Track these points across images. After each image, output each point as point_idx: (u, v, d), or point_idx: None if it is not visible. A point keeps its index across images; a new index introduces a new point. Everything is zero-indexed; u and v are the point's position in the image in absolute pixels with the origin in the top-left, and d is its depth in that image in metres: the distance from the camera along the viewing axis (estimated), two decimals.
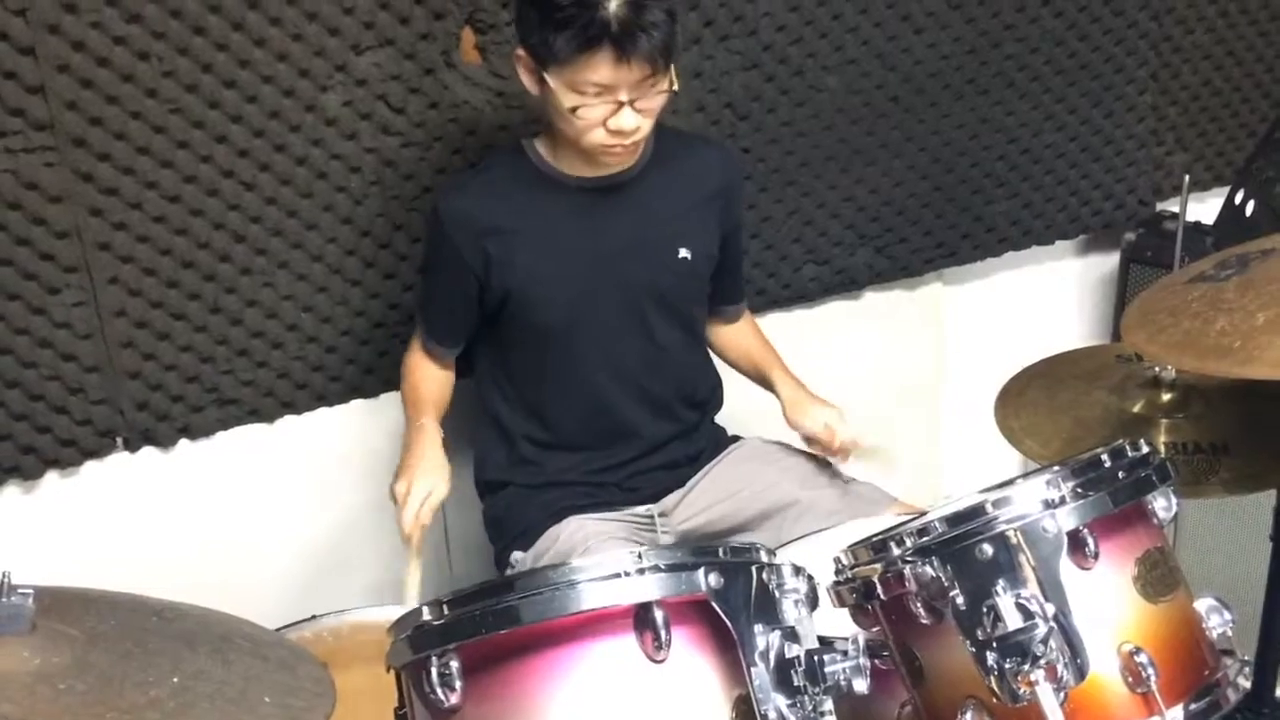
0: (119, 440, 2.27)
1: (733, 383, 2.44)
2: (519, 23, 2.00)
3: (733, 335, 2.43)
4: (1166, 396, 2.00)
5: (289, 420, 2.40)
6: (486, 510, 2.37)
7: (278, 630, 1.86)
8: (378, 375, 2.44)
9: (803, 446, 2.36)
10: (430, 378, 2.26)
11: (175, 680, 1.27)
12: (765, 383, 2.37)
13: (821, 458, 2.34)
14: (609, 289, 2.15)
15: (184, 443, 2.33)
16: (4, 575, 1.29)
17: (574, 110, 1.94)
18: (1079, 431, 1.99)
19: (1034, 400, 2.10)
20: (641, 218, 2.15)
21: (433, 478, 2.07)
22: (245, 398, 2.34)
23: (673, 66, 1.98)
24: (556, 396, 2.21)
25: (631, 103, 1.94)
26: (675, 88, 2.00)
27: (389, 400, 2.48)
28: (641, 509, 2.31)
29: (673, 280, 2.21)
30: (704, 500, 2.32)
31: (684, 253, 2.19)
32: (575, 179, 2.11)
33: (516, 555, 2.24)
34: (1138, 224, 3.08)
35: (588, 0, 1.87)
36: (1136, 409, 2.01)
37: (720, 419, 2.42)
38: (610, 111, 1.94)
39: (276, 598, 2.17)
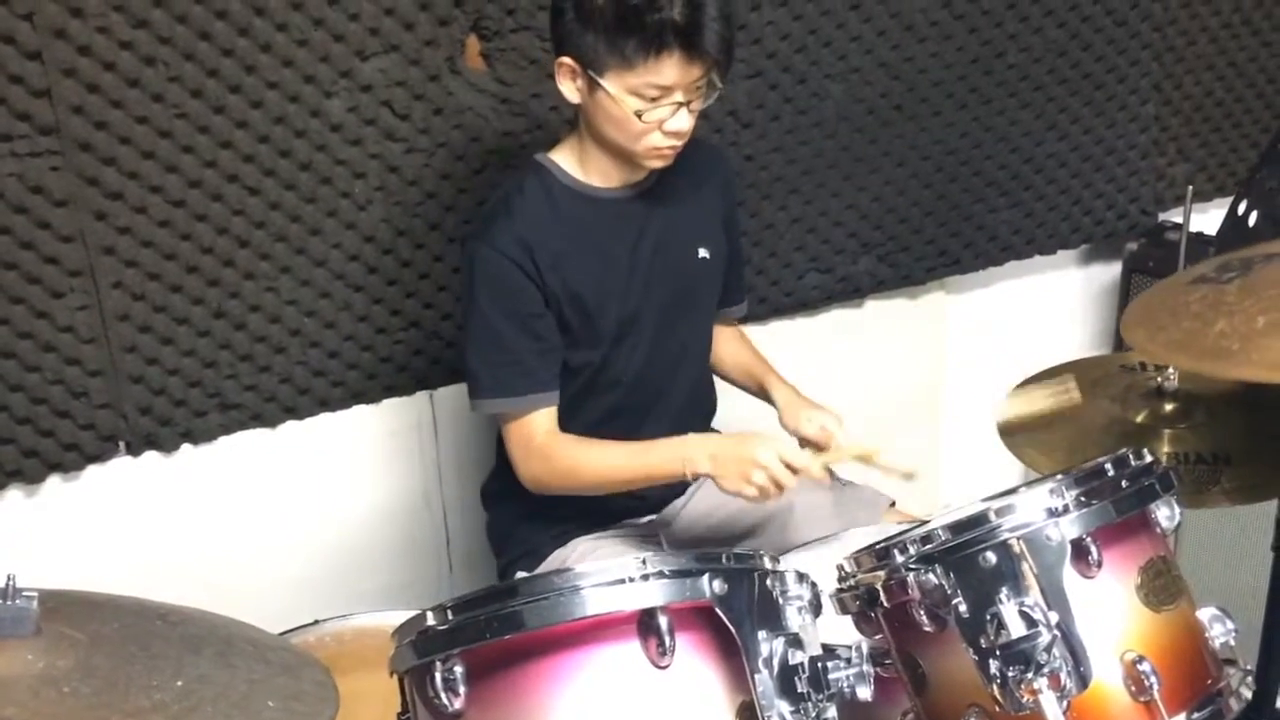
0: (121, 445, 2.27)
1: (728, 388, 2.44)
2: (562, 31, 1.98)
3: (729, 345, 2.43)
4: (1169, 406, 2.01)
5: (291, 425, 2.40)
6: (491, 523, 2.37)
7: (281, 635, 1.86)
8: (380, 381, 2.44)
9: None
10: (577, 438, 2.11)
11: (179, 684, 1.27)
12: (761, 389, 2.36)
13: None
14: (647, 294, 2.16)
15: (186, 447, 2.33)
16: (9, 578, 1.29)
17: (639, 114, 1.95)
18: (1081, 441, 2.00)
19: (1037, 408, 2.10)
20: (665, 223, 2.16)
21: (755, 441, 1.97)
22: (248, 403, 2.34)
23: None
24: (581, 406, 2.18)
25: (687, 104, 1.97)
26: (721, 87, 2.01)
27: (391, 406, 2.48)
28: (643, 520, 2.31)
29: (697, 281, 2.24)
30: (704, 508, 2.31)
31: (703, 253, 2.22)
32: (604, 190, 2.12)
33: (521, 575, 2.23)
34: (1140, 234, 3.09)
35: (654, 3, 1.89)
36: (1139, 419, 2.01)
37: (717, 424, 2.42)
38: (669, 114, 1.97)
39: (279, 602, 2.16)
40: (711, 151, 2.33)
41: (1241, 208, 2.59)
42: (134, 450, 2.28)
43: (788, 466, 1.94)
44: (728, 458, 1.97)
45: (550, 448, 2.09)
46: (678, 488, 2.32)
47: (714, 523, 2.30)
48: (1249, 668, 1.56)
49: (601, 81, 1.94)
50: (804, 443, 2.26)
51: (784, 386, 2.33)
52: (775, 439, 1.98)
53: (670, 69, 1.92)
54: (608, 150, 2.06)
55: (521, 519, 2.28)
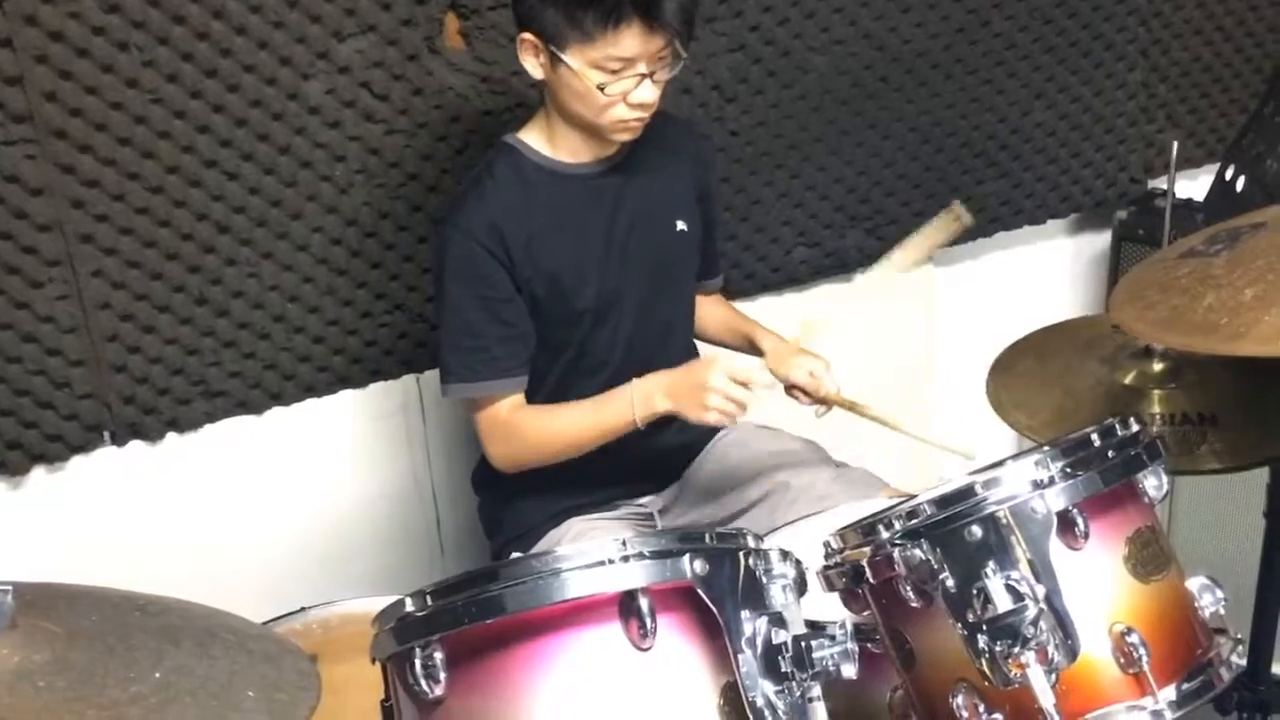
0: (106, 434, 2.26)
1: None
2: (524, 8, 1.96)
3: (711, 309, 2.43)
4: (1158, 367, 1.99)
5: (277, 411, 2.39)
6: (483, 505, 2.36)
7: (266, 623, 1.85)
8: (365, 365, 2.43)
9: (793, 430, 2.35)
10: (538, 406, 2.14)
11: (157, 676, 1.25)
12: (749, 342, 2.36)
13: (812, 441, 2.33)
14: (626, 269, 2.15)
15: (172, 436, 2.31)
16: None
17: (602, 88, 1.93)
18: (1069, 403, 1.99)
19: (1025, 371, 2.09)
20: (640, 196, 2.15)
21: (700, 366, 2.02)
22: (232, 389, 2.32)
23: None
24: (571, 387, 2.17)
25: (650, 75, 1.95)
26: (685, 57, 2.00)
27: (377, 390, 2.47)
28: (640, 503, 2.30)
29: (675, 254, 2.23)
30: (699, 490, 2.31)
31: (681, 225, 2.21)
32: (576, 166, 2.10)
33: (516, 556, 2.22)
34: (1129, 202, 3.08)
35: None
36: (1128, 380, 2.00)
37: None
38: (633, 86, 1.95)
39: (266, 590, 2.15)
40: (683, 124, 2.32)
41: (1229, 173, 2.57)
42: (118, 440, 2.27)
43: (738, 383, 1.97)
44: (680, 389, 2.01)
45: (513, 423, 2.10)
46: (672, 469, 2.32)
47: (708, 503, 2.29)
48: (1240, 636, 1.55)
49: (563, 56, 1.93)
50: (792, 389, 2.25)
51: (771, 335, 2.34)
52: (718, 358, 2.01)
53: (630, 41, 1.90)
54: (575, 125, 2.04)
55: (513, 501, 2.27)
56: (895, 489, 2.27)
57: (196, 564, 2.32)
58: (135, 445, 2.29)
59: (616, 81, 1.94)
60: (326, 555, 2.51)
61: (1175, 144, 2.18)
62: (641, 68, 1.94)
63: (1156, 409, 1.95)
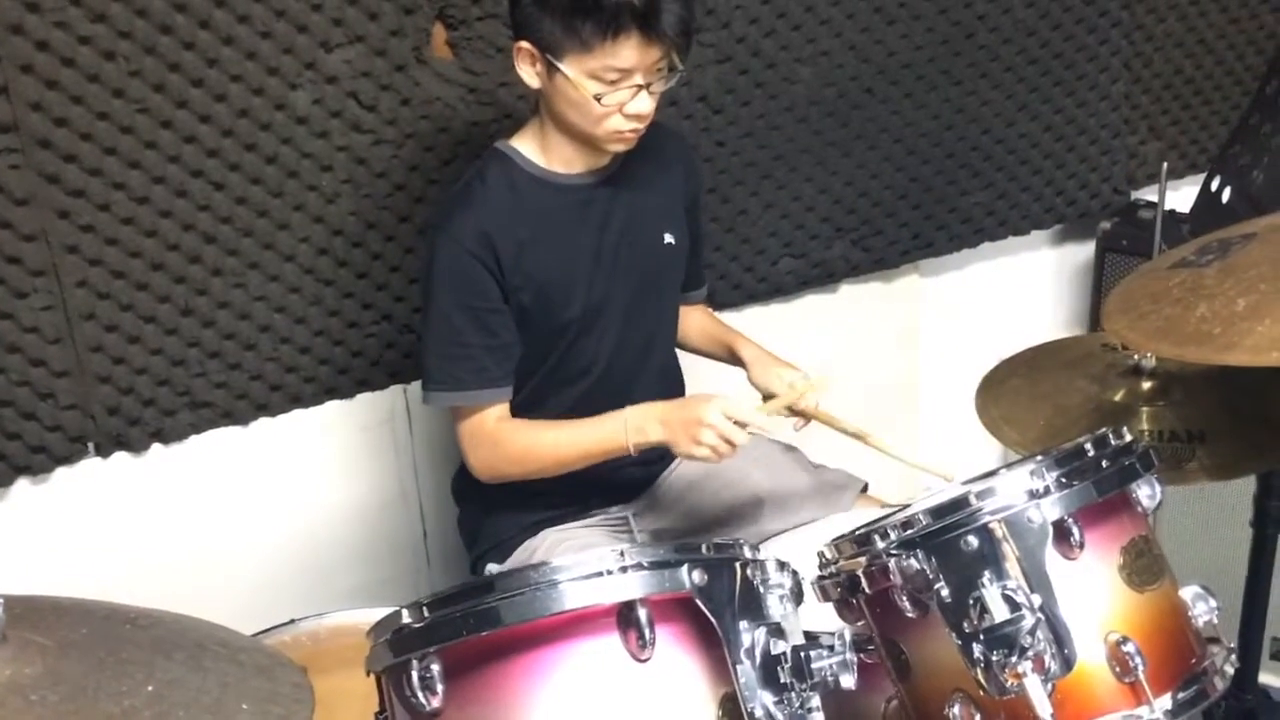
0: (90, 446, 2.23)
1: (698, 372, 2.42)
2: (521, 16, 1.96)
3: (695, 320, 2.42)
4: (1147, 384, 2.00)
5: (263, 422, 2.38)
6: (462, 516, 2.35)
7: (256, 635, 1.84)
8: (352, 376, 2.42)
9: (769, 435, 2.35)
10: (526, 421, 2.12)
11: (150, 689, 1.24)
12: (730, 353, 2.35)
13: (789, 445, 2.34)
14: (613, 281, 2.14)
15: (157, 447, 2.30)
16: None
17: (599, 98, 1.93)
18: (1059, 420, 1.99)
19: (1015, 389, 2.09)
20: (629, 208, 2.14)
21: (699, 402, 1.98)
22: (218, 400, 2.31)
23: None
24: (550, 395, 2.17)
25: (647, 86, 1.95)
26: (682, 69, 1.99)
27: (364, 401, 2.46)
28: (615, 510, 2.30)
29: (662, 266, 2.22)
30: (675, 496, 2.31)
31: (669, 238, 2.21)
32: (568, 177, 2.10)
33: (492, 568, 2.23)
34: (1113, 213, 3.09)
35: None
36: (1117, 397, 2.00)
37: None
38: (629, 97, 1.95)
39: (254, 602, 2.14)
40: (674, 136, 2.31)
41: (1214, 184, 2.59)
42: (103, 451, 2.25)
43: (735, 423, 1.95)
44: (675, 422, 1.98)
45: (500, 434, 2.08)
46: (648, 477, 2.31)
47: (685, 510, 2.29)
48: (1232, 645, 1.55)
49: (560, 65, 1.92)
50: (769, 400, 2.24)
51: (752, 345, 2.33)
52: (719, 397, 1.99)
53: (628, 51, 1.90)
54: (569, 135, 2.04)
55: (491, 512, 2.26)
56: (874, 497, 2.28)
57: (182, 576, 2.31)
58: (120, 457, 2.27)
59: (613, 92, 1.93)
60: (313, 567, 2.49)
61: (1165, 164, 2.20)
62: (638, 79, 1.94)
63: (1145, 426, 1.96)
